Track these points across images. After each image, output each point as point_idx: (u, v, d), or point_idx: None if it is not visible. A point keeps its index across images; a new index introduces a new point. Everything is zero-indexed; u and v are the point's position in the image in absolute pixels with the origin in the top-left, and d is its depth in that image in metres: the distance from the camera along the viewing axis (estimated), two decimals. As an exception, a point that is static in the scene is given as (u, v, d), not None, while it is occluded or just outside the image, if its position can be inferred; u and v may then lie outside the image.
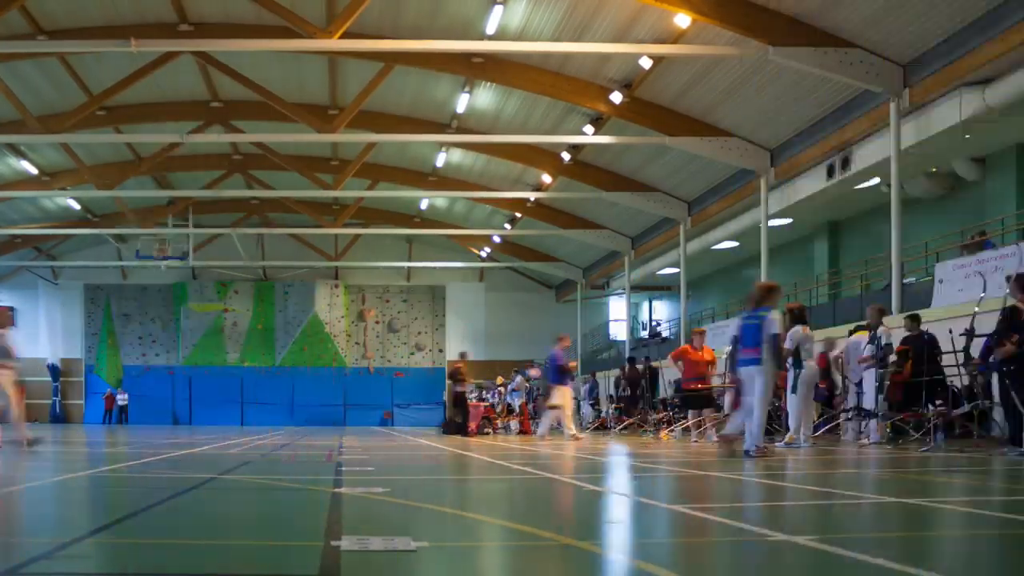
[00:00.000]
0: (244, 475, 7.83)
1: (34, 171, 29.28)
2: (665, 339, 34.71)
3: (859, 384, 13.83)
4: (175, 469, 8.61)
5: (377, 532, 3.82)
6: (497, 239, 36.47)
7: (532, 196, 29.62)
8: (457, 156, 29.63)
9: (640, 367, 23.22)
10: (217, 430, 25.09)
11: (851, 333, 15.10)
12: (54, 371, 40.17)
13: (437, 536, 4.01)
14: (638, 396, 22.50)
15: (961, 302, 15.92)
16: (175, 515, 4.90)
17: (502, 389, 25.53)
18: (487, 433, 22.55)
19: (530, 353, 39.36)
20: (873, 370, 13.16)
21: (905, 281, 18.24)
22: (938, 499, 5.86)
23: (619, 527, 4.56)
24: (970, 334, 11.38)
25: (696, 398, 16.53)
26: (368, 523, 4.48)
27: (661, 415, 20.18)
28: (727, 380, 15.05)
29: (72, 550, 3.50)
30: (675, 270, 29.80)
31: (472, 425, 22.80)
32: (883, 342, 13.10)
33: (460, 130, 26.22)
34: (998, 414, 12.17)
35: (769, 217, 22.61)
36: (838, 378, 15.47)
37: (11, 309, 15.25)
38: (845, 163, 20.22)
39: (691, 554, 3.65)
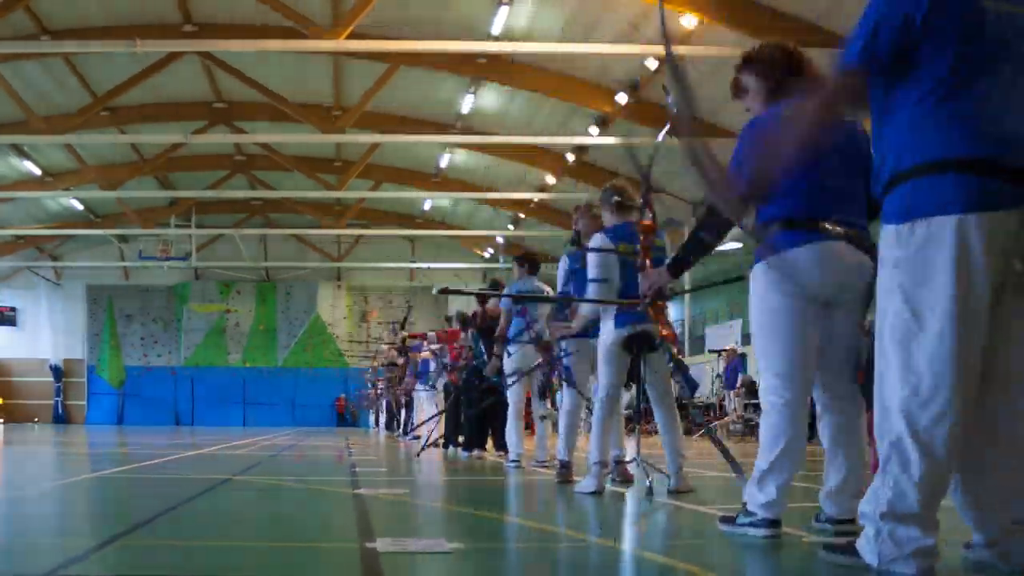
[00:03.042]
0: (258, 475, 7.81)
1: (37, 172, 29.21)
2: (668, 340, 34.53)
3: None
4: (187, 470, 8.59)
5: (408, 533, 3.80)
6: (500, 240, 36.43)
7: (536, 197, 29.58)
8: (461, 157, 29.60)
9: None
10: (220, 431, 25.09)
11: None
12: (56, 372, 40.09)
13: (469, 537, 3.98)
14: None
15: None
16: (200, 516, 4.87)
17: None
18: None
19: (532, 354, 39.30)
20: None
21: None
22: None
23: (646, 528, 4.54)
24: None
25: None
26: (396, 524, 4.46)
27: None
28: None
29: (101, 552, 3.47)
30: (678, 271, 29.70)
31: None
32: None
33: (464, 131, 26.16)
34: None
35: (774, 218, 22.53)
36: None
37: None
38: (850, 164, 20.18)
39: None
